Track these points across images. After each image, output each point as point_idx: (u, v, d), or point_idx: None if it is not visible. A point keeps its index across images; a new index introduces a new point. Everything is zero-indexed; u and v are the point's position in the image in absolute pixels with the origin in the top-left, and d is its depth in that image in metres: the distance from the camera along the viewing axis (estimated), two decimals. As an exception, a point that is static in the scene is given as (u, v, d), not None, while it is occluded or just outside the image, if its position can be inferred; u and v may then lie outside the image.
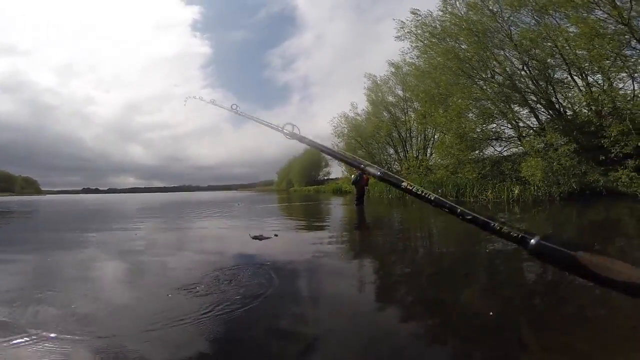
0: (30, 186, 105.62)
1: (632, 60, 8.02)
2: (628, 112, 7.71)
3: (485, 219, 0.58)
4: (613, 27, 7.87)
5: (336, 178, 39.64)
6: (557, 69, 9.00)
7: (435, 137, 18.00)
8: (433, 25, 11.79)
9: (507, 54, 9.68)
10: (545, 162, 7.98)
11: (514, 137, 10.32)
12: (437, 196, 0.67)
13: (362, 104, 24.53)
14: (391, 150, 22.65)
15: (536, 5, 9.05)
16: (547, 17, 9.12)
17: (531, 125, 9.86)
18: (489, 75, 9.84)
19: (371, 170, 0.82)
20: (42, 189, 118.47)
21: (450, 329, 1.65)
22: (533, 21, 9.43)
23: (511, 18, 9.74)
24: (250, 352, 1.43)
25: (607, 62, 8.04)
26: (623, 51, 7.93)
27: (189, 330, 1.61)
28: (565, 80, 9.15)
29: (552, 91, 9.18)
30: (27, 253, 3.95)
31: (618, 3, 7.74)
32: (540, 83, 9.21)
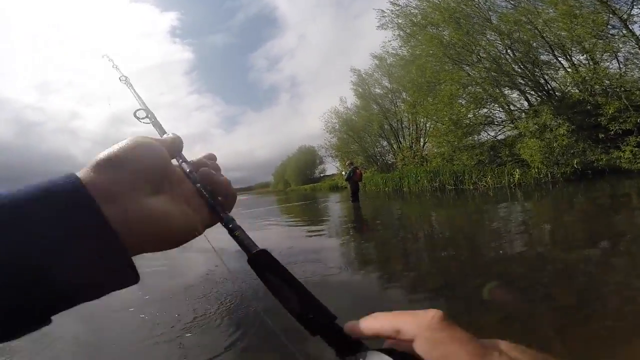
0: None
1: (615, 39, 8.02)
2: (621, 89, 7.69)
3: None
4: (591, 7, 7.84)
5: (332, 175, 39.69)
6: (540, 50, 8.98)
7: (427, 125, 18.02)
8: (413, 12, 11.76)
9: (490, 38, 9.65)
10: (543, 143, 7.92)
11: (506, 120, 10.32)
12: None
13: (351, 99, 24.53)
14: (384, 143, 22.64)
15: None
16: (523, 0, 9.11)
17: (522, 108, 9.86)
18: (474, 60, 9.79)
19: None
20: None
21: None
22: (509, 5, 9.43)
23: (487, 3, 9.75)
24: None
25: (590, 42, 8.04)
26: (604, 31, 7.92)
27: None
28: (552, 62, 9.14)
29: (539, 73, 9.16)
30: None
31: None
32: (527, 65, 9.18)
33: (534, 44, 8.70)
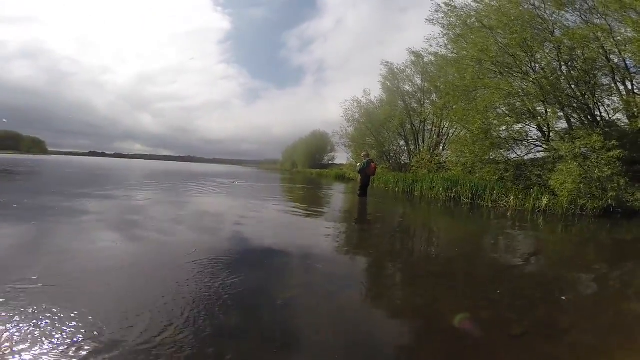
0: (36, 146, 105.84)
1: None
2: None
3: None
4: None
5: (341, 164, 39.22)
6: (600, 72, 8.15)
7: (451, 132, 17.24)
8: (468, 14, 10.89)
9: (547, 52, 8.82)
10: (582, 169, 7.25)
11: (541, 140, 9.57)
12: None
13: (376, 92, 23.63)
14: (402, 142, 21.88)
15: (584, 5, 8.19)
16: (596, 16, 8.25)
17: (562, 129, 9.10)
18: (524, 72, 8.99)
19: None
20: (50, 149, 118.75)
21: None
22: (579, 20, 8.58)
23: (554, 15, 8.91)
24: None
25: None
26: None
27: None
28: (607, 86, 8.32)
29: (590, 95, 8.35)
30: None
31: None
32: (580, 85, 8.38)
33: (598, 64, 7.88)
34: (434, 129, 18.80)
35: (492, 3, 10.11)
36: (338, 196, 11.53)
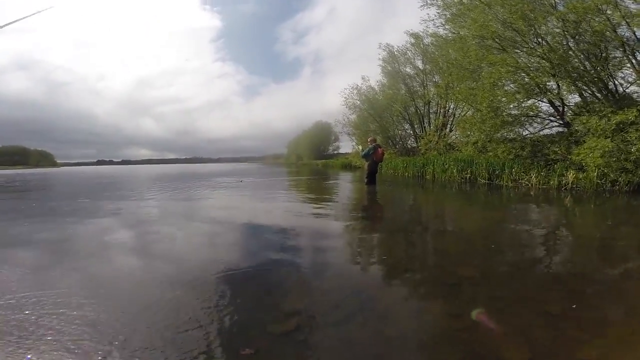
0: (45, 159, 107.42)
1: None
2: None
3: None
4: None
5: (346, 153, 39.09)
6: (610, 44, 7.81)
7: (457, 113, 16.98)
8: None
9: (551, 27, 8.51)
10: (613, 144, 6.77)
11: (554, 115, 9.35)
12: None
13: (376, 78, 23.24)
14: (407, 126, 21.64)
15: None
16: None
17: (577, 103, 8.83)
18: (529, 47, 8.72)
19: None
20: (58, 161, 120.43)
21: None
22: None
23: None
24: None
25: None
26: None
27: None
28: (619, 59, 7.96)
29: (602, 68, 8.06)
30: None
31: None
32: (591, 58, 8.09)
33: (606, 37, 7.56)
34: (439, 110, 18.54)
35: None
36: (345, 186, 10.89)
